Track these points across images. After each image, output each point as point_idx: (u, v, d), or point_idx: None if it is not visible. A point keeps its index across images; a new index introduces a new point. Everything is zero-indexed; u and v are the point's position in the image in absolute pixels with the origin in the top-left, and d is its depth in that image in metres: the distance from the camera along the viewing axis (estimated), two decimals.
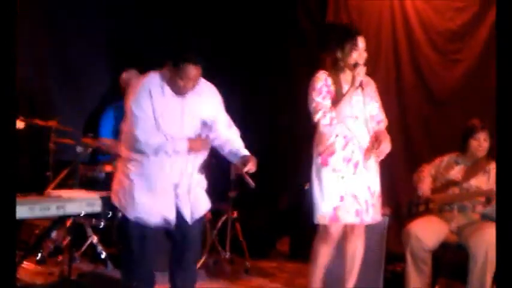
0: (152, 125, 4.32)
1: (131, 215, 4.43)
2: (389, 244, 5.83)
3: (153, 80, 4.36)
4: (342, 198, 4.88)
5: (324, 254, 5.05)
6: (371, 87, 5.08)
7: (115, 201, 4.55)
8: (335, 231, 4.98)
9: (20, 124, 5.29)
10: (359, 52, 4.93)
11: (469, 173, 5.54)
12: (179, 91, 4.35)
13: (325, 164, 4.92)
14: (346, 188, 4.88)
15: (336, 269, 5.26)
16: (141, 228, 4.43)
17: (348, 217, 4.91)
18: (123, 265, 4.64)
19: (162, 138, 4.33)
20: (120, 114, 6.63)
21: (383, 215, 5.69)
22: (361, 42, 4.94)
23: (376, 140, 4.95)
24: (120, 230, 4.57)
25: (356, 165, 4.92)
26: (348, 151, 4.91)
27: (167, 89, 4.35)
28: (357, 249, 5.13)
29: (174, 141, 4.35)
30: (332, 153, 4.91)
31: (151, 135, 4.31)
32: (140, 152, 4.37)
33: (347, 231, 5.12)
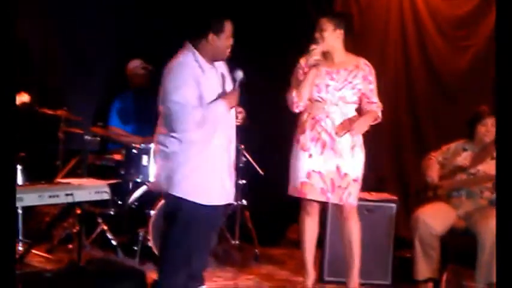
0: (193, 109, 4.27)
1: (204, 199, 4.35)
2: (398, 230, 5.85)
3: (190, 62, 4.32)
4: (308, 175, 5.12)
5: (308, 226, 5.32)
6: (356, 72, 5.17)
7: (178, 191, 4.35)
8: (315, 204, 5.26)
9: (25, 97, 5.29)
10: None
11: (477, 159, 5.55)
12: (223, 55, 4.43)
13: (297, 142, 5.20)
14: (313, 165, 5.10)
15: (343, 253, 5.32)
16: (208, 215, 4.38)
17: (314, 194, 5.15)
18: (171, 260, 4.44)
19: (199, 111, 4.26)
20: (129, 103, 6.74)
21: (391, 201, 5.74)
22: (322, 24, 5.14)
23: (349, 120, 5.11)
24: (181, 221, 4.36)
25: (323, 145, 5.10)
26: (316, 131, 5.12)
27: (204, 64, 4.35)
28: (352, 232, 5.22)
29: (212, 107, 4.31)
30: (303, 132, 5.18)
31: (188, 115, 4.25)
32: (183, 132, 4.29)
33: (337, 214, 5.30)
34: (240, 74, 4.48)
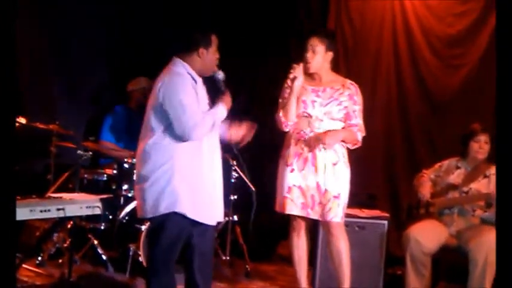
0: (198, 110, 4.34)
1: (195, 214, 4.32)
2: (389, 247, 5.84)
3: (185, 73, 4.38)
4: (289, 190, 5.13)
5: (295, 243, 5.34)
6: (343, 90, 5.16)
7: (165, 209, 4.28)
8: (300, 220, 5.26)
9: (22, 121, 5.29)
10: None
11: (469, 177, 5.55)
12: (212, 69, 4.49)
13: (282, 157, 5.24)
14: (295, 180, 5.12)
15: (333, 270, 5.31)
16: (189, 229, 4.36)
17: (294, 208, 5.15)
18: (157, 271, 4.38)
19: (202, 116, 4.34)
20: (121, 118, 6.72)
21: (382, 218, 5.74)
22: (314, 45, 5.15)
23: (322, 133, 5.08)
24: (165, 231, 4.31)
25: (305, 160, 5.12)
26: (299, 146, 5.14)
27: (196, 77, 4.43)
28: (341, 250, 5.17)
29: (213, 113, 4.42)
30: (287, 147, 5.22)
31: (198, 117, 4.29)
32: (190, 140, 4.27)
33: (325, 232, 5.29)
34: (221, 74, 4.56)
